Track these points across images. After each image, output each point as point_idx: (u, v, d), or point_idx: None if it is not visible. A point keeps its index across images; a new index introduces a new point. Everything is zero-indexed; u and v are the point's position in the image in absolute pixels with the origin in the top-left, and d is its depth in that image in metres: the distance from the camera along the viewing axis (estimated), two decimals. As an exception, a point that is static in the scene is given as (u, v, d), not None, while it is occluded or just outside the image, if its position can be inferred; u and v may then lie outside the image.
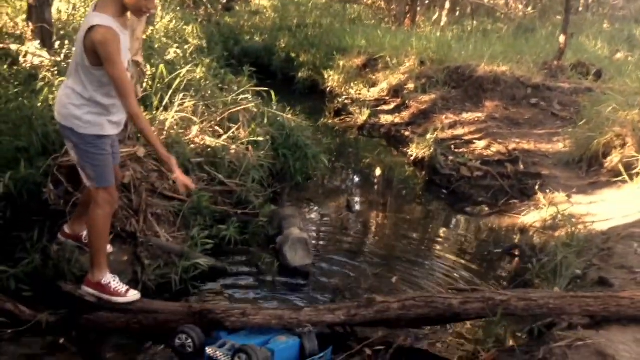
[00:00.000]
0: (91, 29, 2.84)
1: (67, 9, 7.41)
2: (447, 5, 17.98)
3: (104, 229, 3.15)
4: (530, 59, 10.10)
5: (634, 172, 5.50)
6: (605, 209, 5.14)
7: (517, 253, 4.81)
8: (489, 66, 9.12)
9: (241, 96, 5.75)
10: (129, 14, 3.01)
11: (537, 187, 5.85)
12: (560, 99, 8.60)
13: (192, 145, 4.81)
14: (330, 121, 9.37)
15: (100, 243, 3.16)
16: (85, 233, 3.43)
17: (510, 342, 3.33)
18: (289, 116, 5.98)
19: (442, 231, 5.45)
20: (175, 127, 4.80)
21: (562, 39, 10.01)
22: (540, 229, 5.09)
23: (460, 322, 3.47)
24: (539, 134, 7.56)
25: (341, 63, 11.28)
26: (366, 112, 9.15)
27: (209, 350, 3.02)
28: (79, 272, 3.41)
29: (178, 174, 3.12)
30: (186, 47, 7.90)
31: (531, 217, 5.43)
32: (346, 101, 10.11)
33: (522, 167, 6.45)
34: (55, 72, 5.22)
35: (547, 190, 5.74)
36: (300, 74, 11.63)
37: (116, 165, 3.34)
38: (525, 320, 3.44)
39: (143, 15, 3.19)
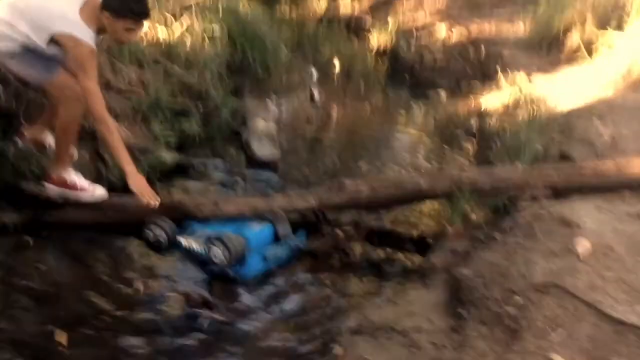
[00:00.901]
0: (72, 37, 2.67)
1: None
2: None
3: (72, 127, 2.99)
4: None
5: (593, 48, 5.52)
6: (566, 87, 5.19)
7: (479, 134, 4.87)
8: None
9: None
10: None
11: (498, 69, 5.84)
12: (521, -20, 8.41)
13: (144, 39, 4.57)
14: (287, 10, 9.00)
15: (68, 140, 3.02)
16: (48, 138, 3.28)
17: (476, 218, 3.43)
18: (245, 6, 5.70)
19: (406, 117, 5.45)
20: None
21: None
22: (502, 109, 5.13)
23: (427, 201, 3.54)
24: (499, 16, 7.44)
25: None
26: (324, 1, 8.80)
27: (182, 241, 3.02)
28: (38, 170, 3.30)
29: (135, 183, 2.88)
30: None
31: (493, 98, 5.46)
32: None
33: (483, 49, 6.39)
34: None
35: (509, 71, 5.74)
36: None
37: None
38: (489, 197, 3.52)
39: (121, 44, 3.11)
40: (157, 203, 2.90)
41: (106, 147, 3.09)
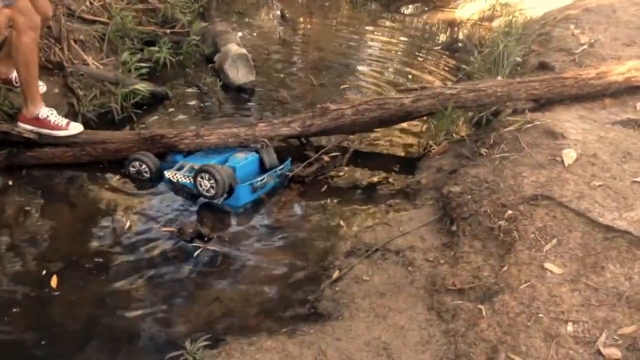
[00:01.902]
0: None
1: None
2: None
3: (31, 57, 2.82)
4: None
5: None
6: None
7: (457, 47, 4.81)
8: None
9: None
10: None
11: (471, -21, 5.70)
12: None
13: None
14: None
15: (30, 73, 2.86)
16: (13, 74, 3.11)
17: (461, 134, 3.43)
18: None
19: (380, 33, 5.32)
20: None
21: None
22: (478, 21, 5.06)
23: (411, 120, 3.52)
24: None
25: None
26: None
27: (167, 174, 2.96)
28: (11, 110, 3.16)
29: None
30: None
31: (468, 10, 5.36)
32: None
33: (455, -41, 6.20)
34: None
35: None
36: None
37: None
38: (471, 112, 3.52)
39: None
40: None
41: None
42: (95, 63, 3.62)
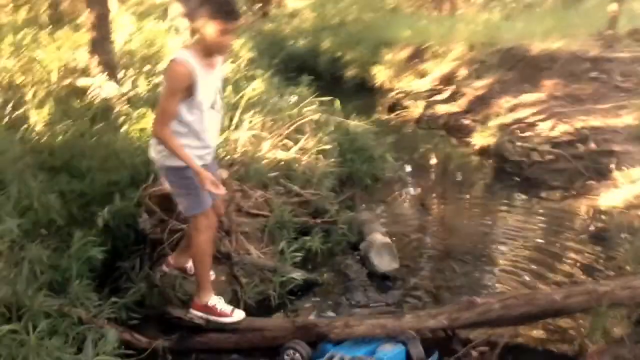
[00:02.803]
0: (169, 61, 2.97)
1: (126, 39, 7.64)
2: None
3: (207, 253, 3.26)
4: (584, 31, 9.81)
5: None
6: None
7: (603, 236, 4.72)
8: (542, 43, 8.93)
9: (305, 108, 5.81)
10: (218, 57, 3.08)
11: (612, 165, 5.72)
12: (621, 70, 8.34)
13: (265, 161, 4.92)
14: (385, 117, 9.37)
15: (205, 266, 3.28)
16: (189, 264, 3.56)
17: (619, 333, 3.27)
18: (355, 122, 6.03)
19: (522, 220, 5.33)
20: (248, 145, 4.92)
21: (613, 6, 9.70)
22: (625, 209, 4.98)
23: (562, 316, 3.43)
24: (604, 109, 7.34)
25: (388, 57, 11.26)
26: (421, 104, 9.12)
27: (320, 365, 3.09)
28: (184, 296, 3.55)
29: (207, 185, 2.97)
30: (239, 60, 8.04)
31: (611, 197, 5.31)
32: (398, 95, 10.08)
33: (593, 145, 6.31)
34: (125, 103, 5.43)
35: (624, 168, 5.61)
36: (348, 73, 11.67)
37: (216, 200, 3.33)
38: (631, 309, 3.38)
39: (225, 52, 3.16)
40: (224, 191, 3.11)
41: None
42: (257, 252, 4.02)
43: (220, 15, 2.86)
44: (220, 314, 3.33)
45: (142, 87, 6.01)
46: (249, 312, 3.54)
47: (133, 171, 4.16)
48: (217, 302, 3.36)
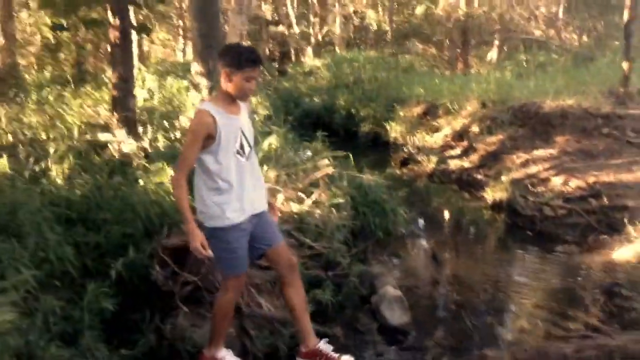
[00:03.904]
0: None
1: (146, 97, 7.93)
2: (497, 42, 18.04)
3: (228, 312, 3.28)
4: (595, 89, 9.95)
5: None
6: None
7: (616, 291, 4.67)
8: (554, 101, 9.06)
9: (319, 162, 5.93)
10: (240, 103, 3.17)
11: (625, 220, 5.70)
12: (633, 126, 8.41)
13: (279, 214, 4.98)
14: (397, 171, 9.49)
15: (223, 324, 3.31)
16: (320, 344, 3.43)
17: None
18: (368, 176, 6.11)
19: (534, 275, 5.31)
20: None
21: (625, 64, 9.85)
22: (637, 263, 4.94)
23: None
24: (616, 164, 7.37)
25: (401, 113, 11.49)
26: (434, 159, 9.21)
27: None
28: (193, 349, 3.56)
29: (194, 245, 3.02)
30: (256, 117, 8.25)
31: (625, 252, 5.28)
32: (411, 150, 10.21)
33: (606, 200, 6.31)
34: (143, 158, 5.59)
35: (637, 223, 5.58)
36: (362, 129, 11.88)
37: (278, 245, 3.33)
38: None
39: (247, 97, 3.23)
40: (210, 254, 3.06)
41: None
42: (268, 305, 4.04)
43: (245, 65, 2.99)
44: (229, 367, 3.34)
45: (161, 142, 6.20)
46: (258, 365, 3.55)
47: (148, 224, 4.25)
48: (226, 355, 3.37)
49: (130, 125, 6.46)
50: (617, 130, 8.33)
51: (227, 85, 3.05)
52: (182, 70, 10.78)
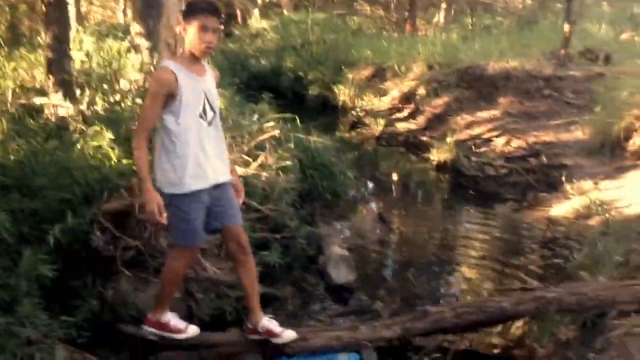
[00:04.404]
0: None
1: (83, 58, 7.58)
2: (444, 5, 18.14)
3: (177, 279, 3.23)
4: (537, 51, 10.15)
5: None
6: (636, 192, 5.17)
7: (554, 245, 4.85)
8: (498, 63, 9.20)
9: (265, 124, 5.85)
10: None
11: (563, 178, 5.90)
12: (573, 88, 8.66)
13: (243, 196, 4.89)
14: (346, 134, 9.51)
15: (171, 290, 3.26)
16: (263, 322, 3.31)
17: (566, 337, 3.36)
18: (315, 138, 6.08)
19: (476, 232, 5.47)
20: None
21: (566, 27, 10.06)
22: (573, 219, 5.14)
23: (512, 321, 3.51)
24: (556, 125, 7.60)
25: (350, 76, 11.43)
26: (381, 122, 9.26)
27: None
28: (136, 314, 3.51)
29: (150, 207, 2.87)
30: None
31: (562, 208, 5.48)
32: (359, 113, 10.23)
33: (545, 160, 6.51)
34: (81, 121, 5.38)
35: (574, 180, 5.80)
36: (310, 92, 11.79)
37: (236, 226, 3.21)
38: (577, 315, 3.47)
39: (206, 53, 2.99)
40: (164, 221, 2.93)
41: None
42: (213, 268, 4.00)
43: (196, 12, 2.86)
44: (174, 330, 3.29)
45: (100, 105, 5.96)
46: (202, 327, 3.51)
47: (87, 189, 4.11)
48: (170, 317, 3.33)
49: (67, 88, 6.17)
50: (558, 92, 8.56)
51: (186, 41, 2.93)
52: (122, 32, 10.33)
